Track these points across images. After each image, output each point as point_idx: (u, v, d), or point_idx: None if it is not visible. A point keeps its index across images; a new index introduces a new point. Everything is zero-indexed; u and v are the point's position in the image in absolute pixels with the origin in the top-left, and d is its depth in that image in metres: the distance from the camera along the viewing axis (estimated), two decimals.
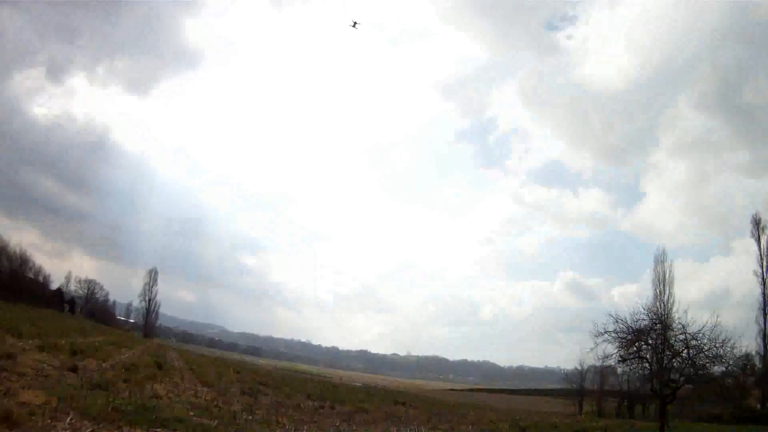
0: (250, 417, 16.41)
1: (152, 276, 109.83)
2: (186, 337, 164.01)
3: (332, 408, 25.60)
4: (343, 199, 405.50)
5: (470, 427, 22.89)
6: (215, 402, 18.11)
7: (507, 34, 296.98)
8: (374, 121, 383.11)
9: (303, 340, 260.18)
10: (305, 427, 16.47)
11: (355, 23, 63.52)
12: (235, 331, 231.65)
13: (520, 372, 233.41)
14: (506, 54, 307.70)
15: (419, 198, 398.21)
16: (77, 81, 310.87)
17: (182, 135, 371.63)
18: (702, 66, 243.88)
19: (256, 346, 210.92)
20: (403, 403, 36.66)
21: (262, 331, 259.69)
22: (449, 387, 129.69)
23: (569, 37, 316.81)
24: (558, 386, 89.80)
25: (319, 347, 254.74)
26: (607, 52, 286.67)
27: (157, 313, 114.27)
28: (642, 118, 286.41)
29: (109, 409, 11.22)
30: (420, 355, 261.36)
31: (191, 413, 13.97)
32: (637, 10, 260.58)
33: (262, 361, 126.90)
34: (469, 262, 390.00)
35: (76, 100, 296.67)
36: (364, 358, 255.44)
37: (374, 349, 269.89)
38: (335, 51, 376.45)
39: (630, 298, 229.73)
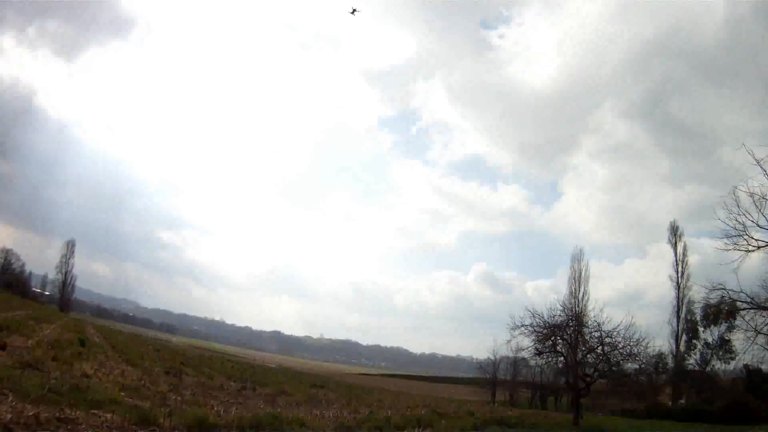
0: (179, 398, 16.27)
1: (69, 248, 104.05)
2: (100, 311, 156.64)
3: (254, 390, 25.58)
4: (260, 180, 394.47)
5: (389, 411, 23.32)
6: (142, 382, 17.80)
7: (441, 27, 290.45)
8: (300, 101, 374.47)
9: (217, 318, 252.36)
10: (233, 409, 16.44)
11: (354, 10, 57.65)
12: (149, 307, 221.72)
13: (433, 360, 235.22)
14: (437, 47, 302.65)
15: (337, 181, 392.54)
16: (6, 41, 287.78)
17: (108, 105, 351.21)
18: (630, 76, 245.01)
19: (170, 324, 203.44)
20: (321, 387, 36.93)
21: (176, 308, 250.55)
22: (362, 371, 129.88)
23: (501, 37, 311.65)
24: (471, 375, 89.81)
25: (232, 327, 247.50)
26: (538, 55, 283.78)
27: (73, 287, 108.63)
28: (566, 120, 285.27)
29: (46, 390, 10.95)
30: (333, 338, 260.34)
31: (122, 394, 13.73)
32: (572, 16, 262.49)
33: (175, 339, 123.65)
34: (384, 248, 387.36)
35: (3, 60, 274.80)
36: (277, 339, 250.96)
37: (287, 331, 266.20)
38: (262, 33, 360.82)
39: (544, 293, 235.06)
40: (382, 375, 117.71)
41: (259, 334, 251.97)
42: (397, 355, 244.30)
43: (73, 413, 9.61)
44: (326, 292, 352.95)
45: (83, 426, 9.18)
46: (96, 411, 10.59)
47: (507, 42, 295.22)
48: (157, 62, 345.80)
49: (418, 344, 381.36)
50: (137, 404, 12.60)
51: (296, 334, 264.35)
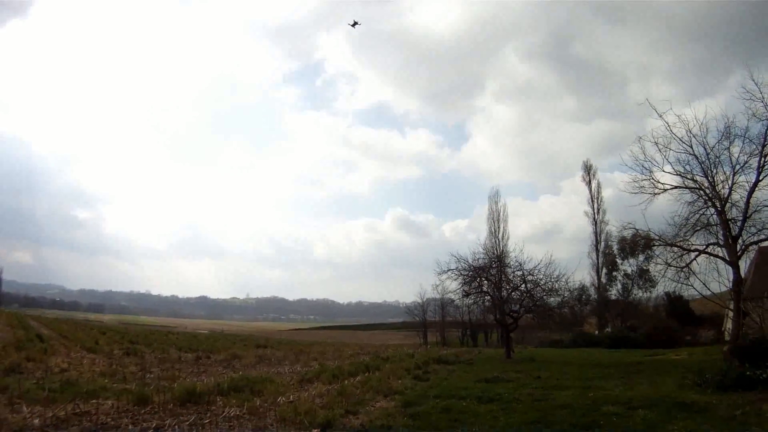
0: (153, 376, 16.33)
1: None
2: (28, 301, 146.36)
3: (208, 357, 25.52)
4: (166, 144, 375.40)
5: (335, 362, 23.98)
6: (113, 367, 17.66)
7: None
8: (203, 62, 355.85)
9: (142, 291, 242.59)
10: (203, 377, 16.66)
11: (354, 23, 51.47)
12: (75, 289, 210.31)
13: (360, 308, 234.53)
14: None
15: (243, 138, 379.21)
16: None
17: (9, 85, 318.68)
18: (532, 19, 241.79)
19: (97, 303, 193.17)
20: (265, 346, 37.03)
21: (101, 286, 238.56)
22: (294, 327, 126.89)
23: None
24: (399, 320, 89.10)
25: (159, 297, 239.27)
26: (438, 1, 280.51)
27: (0, 280, 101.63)
28: (469, 65, 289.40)
29: (46, 391, 10.96)
30: (259, 297, 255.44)
31: (106, 381, 13.77)
32: None
33: (107, 318, 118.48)
34: (298, 201, 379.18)
35: None
36: (205, 304, 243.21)
37: (213, 295, 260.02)
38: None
39: (462, 233, 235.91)
40: (315, 328, 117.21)
41: (187, 301, 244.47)
42: (325, 306, 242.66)
43: (84, 407, 9.80)
44: (245, 250, 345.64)
45: (98, 415, 9.36)
46: (96, 400, 10.77)
47: None
48: (49, 35, 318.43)
49: (344, 294, 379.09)
50: (125, 387, 12.70)
51: (223, 297, 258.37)
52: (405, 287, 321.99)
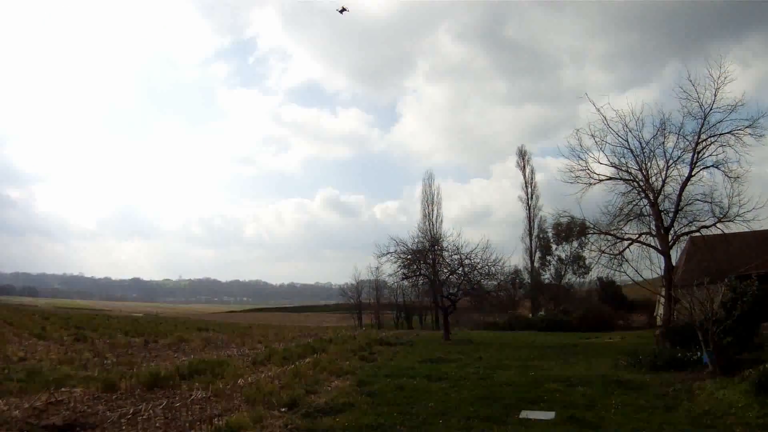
0: (110, 362, 15.84)
1: None
2: None
3: (155, 341, 24.65)
4: (93, 121, 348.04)
5: (281, 344, 23.69)
6: (68, 354, 16.89)
7: None
8: (137, 37, 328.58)
9: (75, 273, 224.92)
10: (158, 361, 16.30)
11: (343, 9, 46.40)
12: (8, 272, 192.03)
13: (293, 289, 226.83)
14: None
15: (170, 116, 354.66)
16: None
17: None
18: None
19: (31, 287, 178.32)
20: (207, 329, 35.99)
21: (34, 268, 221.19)
22: (227, 309, 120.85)
23: None
24: (333, 301, 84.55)
25: (92, 279, 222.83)
26: None
27: None
28: (400, 44, 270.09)
29: (15, 381, 10.54)
30: (192, 278, 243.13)
31: (68, 369, 13.22)
32: None
33: (41, 302, 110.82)
34: (227, 181, 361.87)
35: None
36: (138, 286, 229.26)
37: (146, 276, 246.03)
38: None
39: (392, 214, 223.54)
40: (250, 310, 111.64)
41: (120, 284, 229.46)
42: (257, 288, 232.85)
43: (58, 396, 9.54)
44: (176, 230, 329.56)
45: (74, 404, 9.13)
46: (66, 389, 10.45)
47: None
48: None
49: (276, 275, 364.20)
50: (88, 375, 12.34)
51: (155, 279, 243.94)
52: (336, 268, 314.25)
